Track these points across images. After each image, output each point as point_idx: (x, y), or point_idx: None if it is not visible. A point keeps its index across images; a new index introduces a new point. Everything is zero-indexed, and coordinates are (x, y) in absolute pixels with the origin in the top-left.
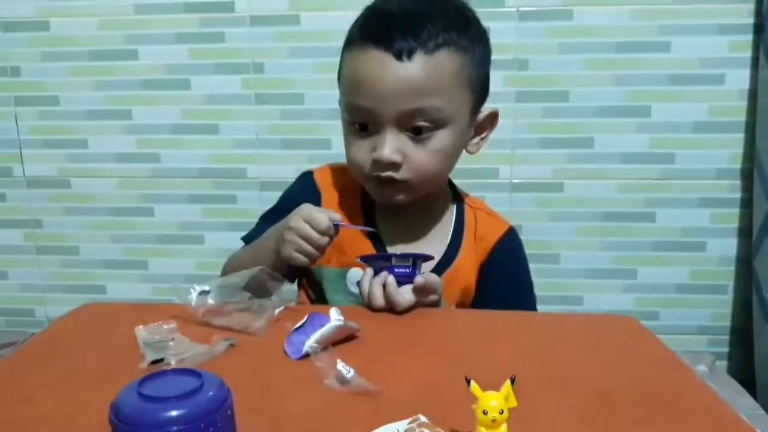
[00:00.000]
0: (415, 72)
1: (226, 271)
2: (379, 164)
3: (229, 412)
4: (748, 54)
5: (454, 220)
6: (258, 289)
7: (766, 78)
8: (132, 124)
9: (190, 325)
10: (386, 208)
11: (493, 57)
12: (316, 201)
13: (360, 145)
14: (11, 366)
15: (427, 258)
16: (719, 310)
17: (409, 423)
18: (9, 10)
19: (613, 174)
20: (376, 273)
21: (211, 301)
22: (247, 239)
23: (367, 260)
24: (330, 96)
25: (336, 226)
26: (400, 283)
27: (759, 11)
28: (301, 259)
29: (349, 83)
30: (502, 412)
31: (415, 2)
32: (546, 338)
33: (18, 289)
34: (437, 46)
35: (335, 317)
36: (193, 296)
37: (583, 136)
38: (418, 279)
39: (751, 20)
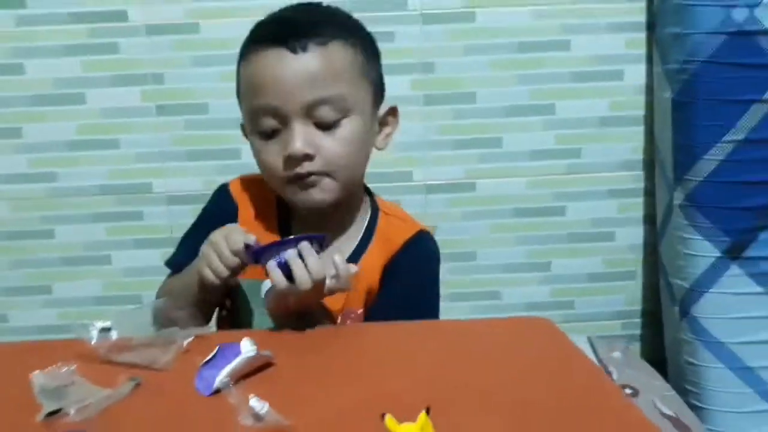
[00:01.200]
0: (312, 62)
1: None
2: (292, 160)
3: None
4: (642, 51)
5: (365, 225)
6: (166, 322)
7: (660, 73)
8: (23, 143)
9: (92, 365)
10: (303, 218)
11: (399, 60)
12: (233, 214)
13: (270, 149)
14: None
15: (317, 238)
16: (630, 295)
17: None
18: None
19: (523, 171)
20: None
21: (113, 337)
22: (171, 263)
23: (259, 253)
24: (235, 105)
25: (249, 248)
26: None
27: (650, 9)
28: (211, 277)
29: (248, 88)
30: None
31: (304, 9)
32: (461, 347)
33: None
34: (328, 39)
35: (247, 348)
36: (94, 333)
37: (492, 136)
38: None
39: (643, 18)
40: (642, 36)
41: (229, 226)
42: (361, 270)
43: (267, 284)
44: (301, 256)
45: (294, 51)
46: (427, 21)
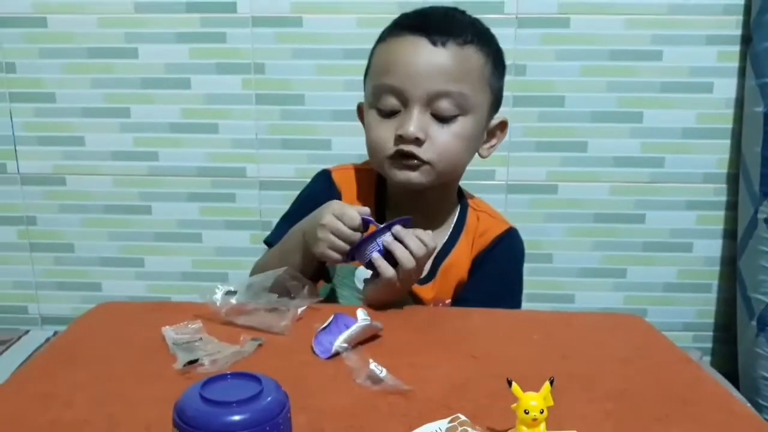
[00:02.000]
0: (447, 57)
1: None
2: (403, 139)
3: (288, 415)
4: (735, 64)
5: (456, 218)
6: (281, 290)
7: (753, 87)
8: (130, 122)
9: (215, 325)
10: (397, 207)
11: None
12: (337, 198)
13: (384, 127)
14: (41, 367)
15: (404, 221)
16: (704, 307)
17: (450, 422)
18: (3, 5)
19: (605, 177)
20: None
21: (234, 301)
22: (270, 242)
23: (355, 249)
24: (330, 98)
25: (365, 222)
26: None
27: (747, 23)
28: (334, 255)
29: (380, 66)
30: (542, 412)
31: (448, 13)
32: (560, 337)
33: (11, 286)
34: (466, 41)
35: (362, 317)
36: (219, 296)
37: (577, 140)
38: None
39: (738, 32)
40: (735, 49)
41: (333, 205)
42: (452, 263)
43: (362, 272)
44: (397, 239)
45: (434, 43)
46: (522, 25)
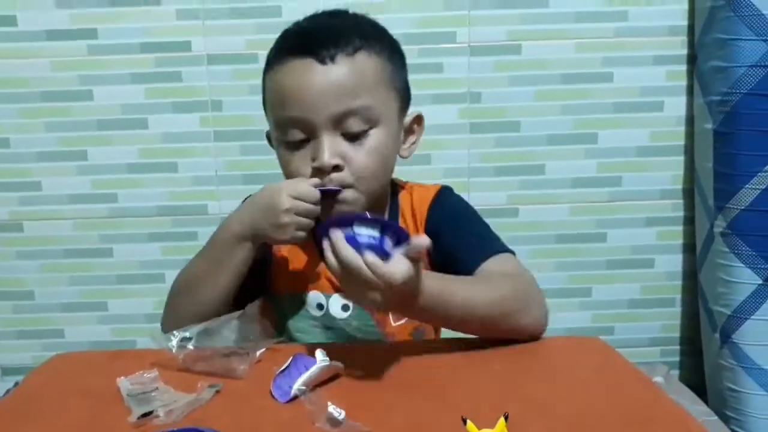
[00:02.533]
0: (340, 73)
1: (180, 289)
2: (321, 171)
3: None
4: (683, 83)
5: (389, 208)
6: (238, 333)
7: (702, 105)
8: (87, 165)
9: (171, 372)
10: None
11: (448, 90)
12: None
13: (297, 160)
14: None
15: (400, 232)
16: (669, 322)
17: None
18: None
19: (565, 198)
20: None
21: (191, 347)
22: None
23: (324, 229)
24: None
25: (321, 193)
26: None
27: (692, 42)
28: (301, 235)
29: (275, 98)
30: None
31: (328, 20)
32: (520, 365)
33: None
34: (356, 49)
35: (321, 357)
36: (174, 342)
37: (534, 164)
38: (420, 240)
39: (685, 51)
40: (683, 68)
41: (284, 187)
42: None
43: (314, 297)
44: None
45: (323, 62)
46: (474, 53)
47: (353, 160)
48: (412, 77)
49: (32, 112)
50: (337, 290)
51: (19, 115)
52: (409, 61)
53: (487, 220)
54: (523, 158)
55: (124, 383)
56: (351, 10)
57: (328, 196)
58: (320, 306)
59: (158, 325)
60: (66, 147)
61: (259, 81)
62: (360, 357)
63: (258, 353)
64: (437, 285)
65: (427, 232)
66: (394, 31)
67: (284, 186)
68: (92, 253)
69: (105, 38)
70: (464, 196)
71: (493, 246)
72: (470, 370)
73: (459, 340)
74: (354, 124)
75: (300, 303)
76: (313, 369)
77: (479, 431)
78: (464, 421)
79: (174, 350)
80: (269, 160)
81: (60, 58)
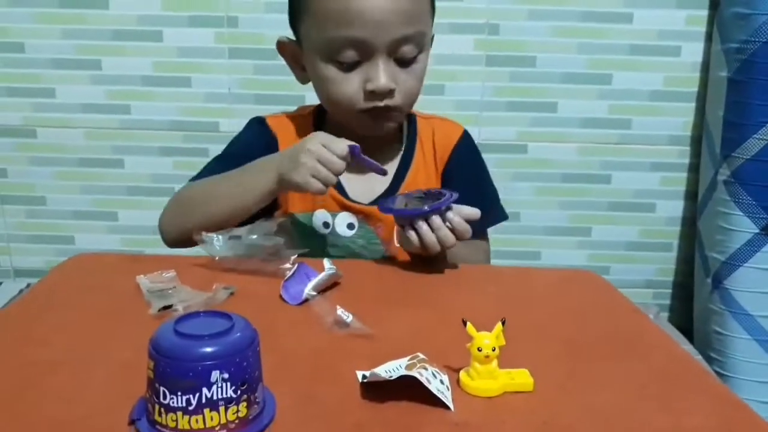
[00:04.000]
0: None
1: (175, 205)
2: (377, 94)
3: (257, 349)
4: (702, 29)
5: (406, 132)
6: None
7: (719, 52)
8: (102, 75)
9: (188, 275)
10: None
11: (466, 21)
12: (272, 146)
13: (347, 81)
14: (18, 313)
15: (442, 196)
16: (664, 266)
17: (410, 360)
18: None
19: (574, 137)
20: (408, 216)
21: (228, 253)
22: (196, 179)
23: (387, 206)
24: None
25: (352, 152)
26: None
27: None
28: (317, 185)
29: (334, 16)
30: (494, 349)
31: None
32: (518, 290)
33: None
34: None
35: (328, 266)
36: (217, 243)
37: (547, 101)
38: (471, 210)
39: None
40: (703, 14)
41: (319, 135)
42: (412, 180)
43: (320, 216)
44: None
45: None
46: None
47: (404, 84)
48: None
49: (48, 18)
50: (343, 209)
51: (35, 20)
52: None
53: (496, 155)
54: (536, 94)
55: (143, 281)
56: None
57: (380, 114)
58: (326, 224)
59: None
60: (81, 55)
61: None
62: (364, 269)
63: (292, 257)
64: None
65: (445, 172)
66: None
67: (319, 134)
68: (104, 163)
69: None
70: (475, 130)
71: (496, 216)
72: (469, 287)
73: (462, 267)
74: (408, 51)
75: (307, 221)
76: (322, 275)
77: (478, 333)
78: (464, 323)
79: (218, 248)
80: (282, 80)
81: None
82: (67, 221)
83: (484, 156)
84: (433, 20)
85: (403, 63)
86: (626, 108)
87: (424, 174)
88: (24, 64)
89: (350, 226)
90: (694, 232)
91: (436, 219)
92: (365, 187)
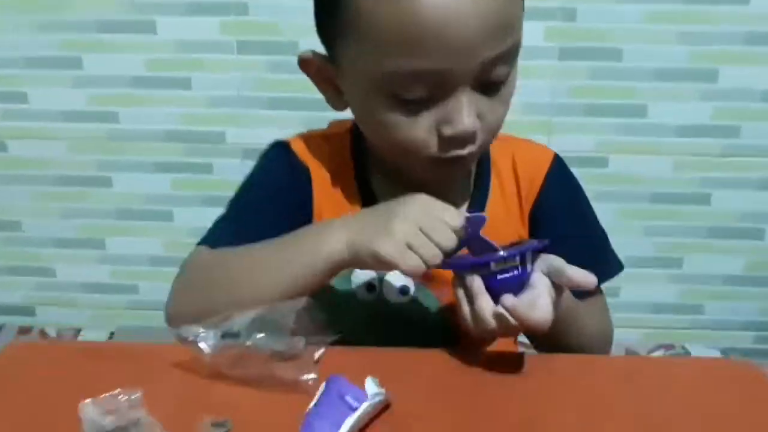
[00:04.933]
0: (498, 4)
1: (192, 285)
2: (456, 142)
3: None
4: None
5: (474, 164)
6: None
7: None
8: (83, 75)
9: (162, 391)
10: (388, 176)
11: (534, 4)
12: (305, 179)
13: (416, 124)
14: None
15: (538, 247)
16: None
17: None
18: None
19: (667, 149)
20: (464, 268)
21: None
22: (211, 245)
23: (455, 265)
24: None
25: (470, 226)
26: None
27: None
28: (417, 262)
29: (395, 38)
30: None
31: None
32: (653, 386)
33: None
34: None
35: (373, 390)
36: (210, 340)
37: (634, 103)
38: (579, 274)
39: None
40: None
41: (421, 198)
42: (490, 218)
43: (361, 275)
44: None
45: None
46: None
47: (488, 116)
48: None
49: (16, 9)
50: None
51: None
52: None
53: (571, 170)
54: (622, 95)
55: (88, 410)
56: None
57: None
58: (371, 287)
59: (164, 269)
60: (57, 52)
61: None
62: (424, 370)
63: (316, 355)
64: (565, 308)
65: (535, 213)
66: None
67: (422, 196)
68: (89, 181)
69: None
70: (544, 139)
71: (610, 266)
72: (592, 390)
73: (576, 358)
74: (501, 73)
75: (346, 284)
76: (363, 408)
77: None
78: None
79: (207, 351)
80: (302, 80)
81: None
82: (47, 250)
83: None
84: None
85: (491, 89)
86: (734, 112)
87: (504, 214)
88: None
89: (403, 290)
90: None
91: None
92: None
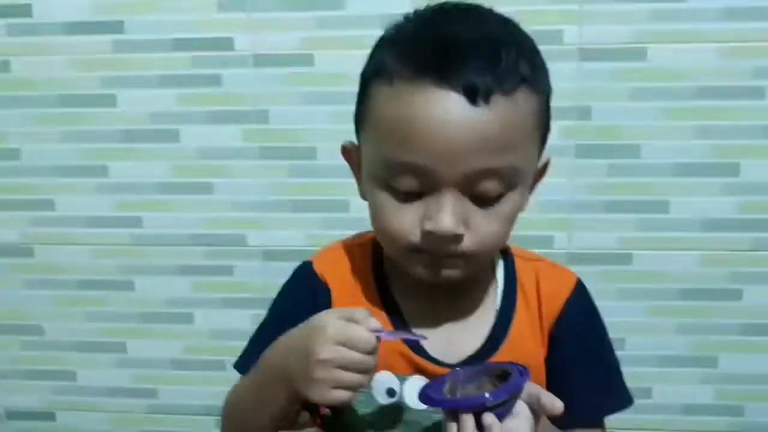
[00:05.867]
0: (493, 120)
1: (227, 412)
2: (434, 238)
3: None
4: None
5: (503, 279)
6: None
7: None
8: (109, 182)
9: None
10: (408, 288)
11: (552, 103)
12: (326, 299)
13: (403, 213)
14: None
15: (527, 380)
16: None
17: None
18: None
19: (693, 244)
20: (453, 408)
21: None
22: (243, 366)
23: (429, 394)
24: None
25: (378, 337)
26: None
27: None
28: (345, 395)
29: (391, 132)
30: None
31: (478, 24)
32: None
33: None
34: (516, 84)
35: None
36: None
37: (656, 199)
38: (555, 405)
39: None
40: None
41: (330, 328)
42: (514, 342)
43: (383, 379)
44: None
45: (474, 101)
46: (585, 57)
47: (478, 227)
48: None
49: (46, 119)
50: (417, 371)
51: (32, 121)
52: None
53: (593, 268)
54: (642, 191)
55: None
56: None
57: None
58: (391, 392)
59: (184, 373)
60: (84, 161)
61: (314, 87)
62: None
63: None
64: None
65: (554, 335)
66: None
67: (328, 324)
68: (111, 285)
69: (133, 33)
70: (564, 236)
71: (619, 400)
72: None
73: None
74: (491, 187)
75: (367, 397)
76: None
77: None
78: None
79: None
80: (322, 183)
81: (78, 56)
82: (67, 353)
83: (578, 269)
84: (542, 146)
85: (483, 202)
86: (761, 204)
87: (530, 331)
88: (20, 172)
89: (390, 392)
90: None
91: (487, 417)
92: (451, 340)
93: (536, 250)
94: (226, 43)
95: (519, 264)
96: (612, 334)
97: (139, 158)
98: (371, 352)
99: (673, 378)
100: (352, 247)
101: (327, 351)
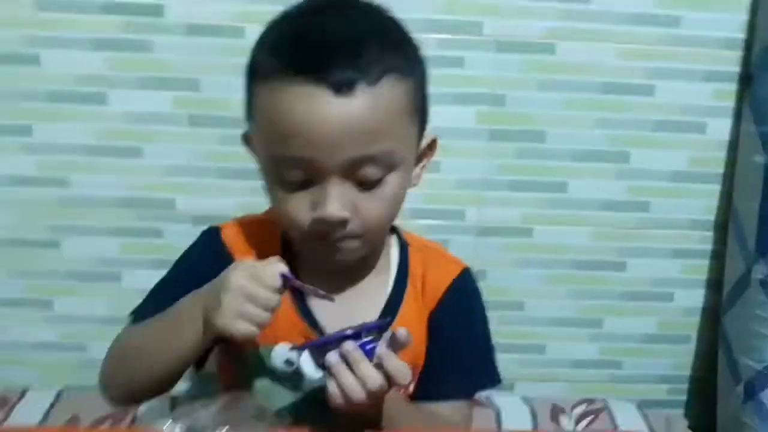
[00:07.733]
0: (360, 109)
1: (114, 356)
2: (323, 224)
3: None
4: (731, 104)
5: (396, 265)
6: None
7: (752, 134)
8: (33, 142)
9: None
10: (314, 265)
11: (468, 90)
12: (227, 265)
13: (297, 202)
14: None
15: (383, 325)
16: (681, 360)
17: None
18: None
19: (586, 221)
20: (317, 346)
21: None
22: (137, 315)
23: (315, 346)
24: None
25: (285, 281)
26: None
27: (747, 61)
28: (247, 328)
29: (270, 129)
30: None
31: (345, 19)
32: None
33: None
34: (380, 74)
35: None
36: None
37: (556, 180)
38: (401, 331)
39: (737, 69)
40: (732, 88)
41: (241, 265)
42: (406, 312)
43: (281, 351)
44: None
45: (338, 91)
46: (501, 49)
47: (364, 210)
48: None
49: None
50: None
51: None
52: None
53: (500, 240)
54: (545, 173)
55: None
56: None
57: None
58: (289, 362)
59: (112, 328)
60: (7, 120)
61: (244, 60)
62: None
63: None
64: (396, 410)
65: (432, 317)
66: (409, 16)
67: (241, 264)
68: (38, 243)
69: None
70: (475, 211)
71: (487, 377)
72: None
73: None
74: (371, 172)
75: (263, 358)
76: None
77: None
78: None
79: None
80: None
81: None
82: None
83: (487, 240)
84: (421, 128)
85: (366, 186)
86: (645, 189)
87: (416, 312)
88: None
89: (288, 361)
90: (716, 324)
91: (351, 350)
92: (341, 311)
93: (449, 223)
94: (155, 10)
95: (411, 253)
96: (510, 298)
97: (65, 120)
98: (277, 291)
99: (564, 336)
100: (265, 223)
101: (237, 278)
